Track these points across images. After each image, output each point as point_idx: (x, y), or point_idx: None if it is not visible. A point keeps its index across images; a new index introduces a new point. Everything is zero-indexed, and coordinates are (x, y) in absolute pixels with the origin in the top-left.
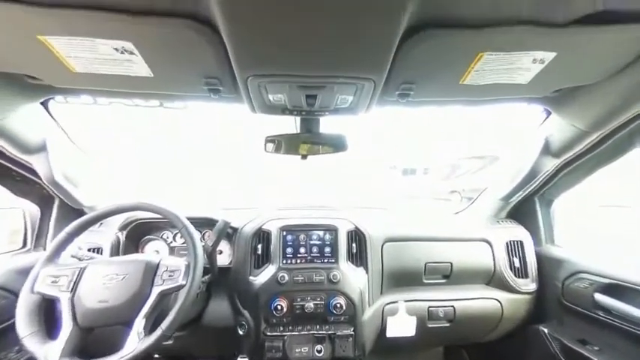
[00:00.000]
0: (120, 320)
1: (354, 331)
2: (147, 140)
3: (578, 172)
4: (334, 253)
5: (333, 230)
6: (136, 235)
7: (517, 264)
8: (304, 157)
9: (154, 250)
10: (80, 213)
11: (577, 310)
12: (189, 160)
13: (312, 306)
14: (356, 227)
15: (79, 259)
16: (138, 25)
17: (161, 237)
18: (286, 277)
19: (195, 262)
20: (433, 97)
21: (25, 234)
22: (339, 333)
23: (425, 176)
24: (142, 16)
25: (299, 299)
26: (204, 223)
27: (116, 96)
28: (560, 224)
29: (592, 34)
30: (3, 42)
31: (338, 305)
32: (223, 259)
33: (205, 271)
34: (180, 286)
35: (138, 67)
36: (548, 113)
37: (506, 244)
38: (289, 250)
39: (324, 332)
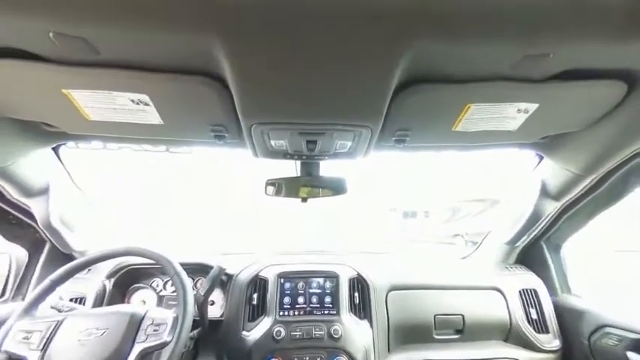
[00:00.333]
0: None
1: None
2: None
3: (581, 215)
4: (335, 303)
5: (333, 277)
6: (124, 283)
7: (534, 315)
8: (304, 200)
9: (141, 300)
10: (69, 258)
11: None
12: (189, 202)
13: None
14: (358, 274)
15: (59, 311)
16: (155, 80)
17: (150, 285)
18: (283, 333)
19: (184, 314)
20: (428, 142)
21: (7, 282)
22: None
23: (426, 219)
24: (159, 73)
25: (296, 359)
26: (197, 270)
27: (126, 142)
28: (574, 270)
29: (568, 88)
30: (29, 95)
31: None
32: (215, 311)
33: (194, 325)
34: (165, 344)
35: (150, 116)
36: (541, 157)
37: (520, 292)
38: (287, 299)
39: None
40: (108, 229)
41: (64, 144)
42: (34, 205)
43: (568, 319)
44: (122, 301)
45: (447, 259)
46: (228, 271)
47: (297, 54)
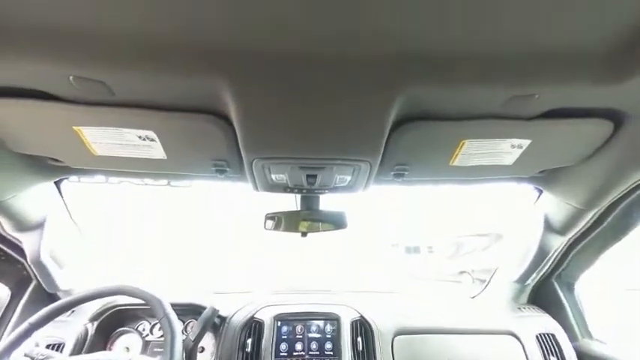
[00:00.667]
0: None
1: None
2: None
3: (590, 251)
4: (336, 350)
5: (334, 320)
6: (108, 327)
7: None
8: (304, 234)
9: (124, 347)
10: (53, 298)
11: None
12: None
13: None
14: (361, 316)
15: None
16: (163, 117)
17: (136, 329)
18: None
19: None
20: (426, 177)
21: None
22: None
23: (430, 255)
24: (168, 111)
25: None
26: (189, 311)
27: (128, 176)
28: (587, 309)
29: (557, 125)
30: (41, 131)
31: None
32: (204, 359)
33: None
34: None
35: (155, 151)
36: (540, 191)
37: (537, 338)
38: (283, 346)
39: None
40: (99, 265)
41: (66, 178)
42: (26, 240)
43: None
44: (104, 348)
45: (455, 298)
46: (222, 312)
47: (299, 95)
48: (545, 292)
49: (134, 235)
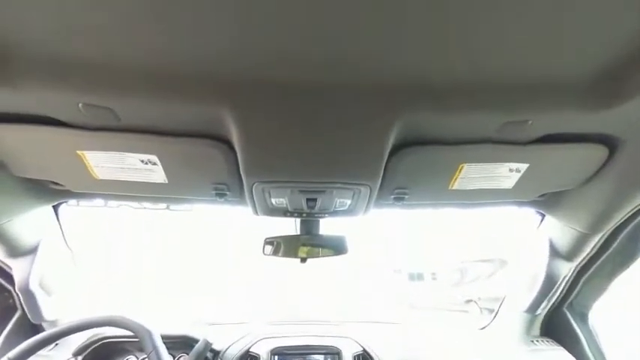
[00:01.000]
0: None
1: None
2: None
3: (600, 277)
4: None
5: (335, 354)
6: None
7: None
8: (303, 260)
9: None
10: (37, 330)
11: None
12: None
13: None
14: (364, 350)
15: None
16: (165, 142)
17: None
18: None
19: None
20: (426, 200)
21: None
22: None
23: (434, 282)
24: (171, 136)
25: None
26: (181, 344)
27: (128, 200)
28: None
29: (553, 150)
30: (45, 156)
31: None
32: None
33: None
34: None
35: (156, 175)
36: (543, 215)
37: None
38: None
39: None
40: (90, 293)
41: (65, 202)
42: (17, 266)
43: None
44: None
45: (463, 330)
46: (215, 345)
47: (300, 120)
48: (557, 322)
49: (129, 262)
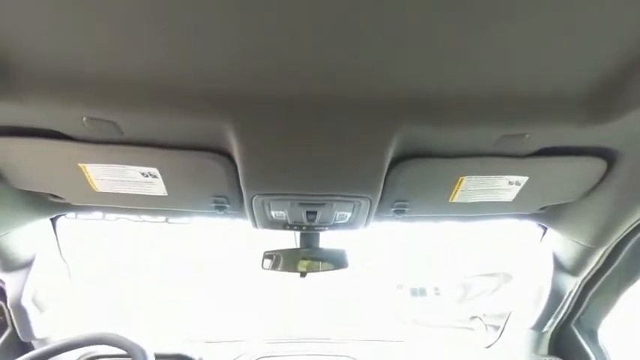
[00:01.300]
0: None
1: None
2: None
3: (606, 293)
4: None
5: None
6: None
7: None
8: (303, 274)
9: None
10: (26, 348)
11: None
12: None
13: None
14: None
15: None
16: (166, 155)
17: None
18: None
19: None
20: (427, 213)
21: None
22: None
23: (437, 297)
24: (172, 149)
25: None
26: None
27: (127, 212)
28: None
29: (551, 163)
30: (45, 168)
31: None
32: None
33: None
34: None
35: (156, 187)
36: (545, 228)
37: None
38: None
39: None
40: (84, 309)
41: (63, 215)
42: (10, 281)
43: None
44: None
45: (468, 348)
46: None
47: (300, 134)
48: (566, 340)
49: (126, 276)
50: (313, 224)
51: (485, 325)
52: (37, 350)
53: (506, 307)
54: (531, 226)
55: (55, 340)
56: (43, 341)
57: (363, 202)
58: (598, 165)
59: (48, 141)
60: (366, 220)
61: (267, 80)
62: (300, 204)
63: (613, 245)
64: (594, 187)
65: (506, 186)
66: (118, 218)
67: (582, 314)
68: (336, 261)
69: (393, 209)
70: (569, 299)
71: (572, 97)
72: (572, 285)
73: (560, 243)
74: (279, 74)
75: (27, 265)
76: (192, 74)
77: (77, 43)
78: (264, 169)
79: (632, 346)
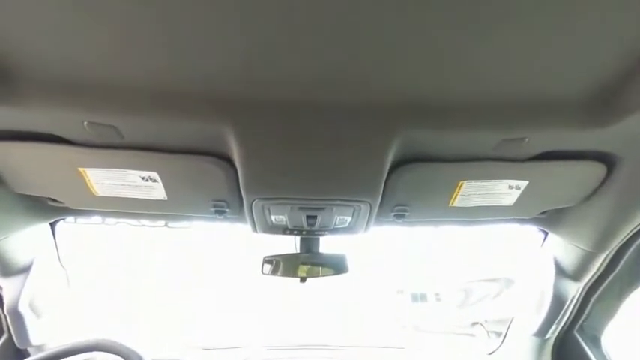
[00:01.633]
0: None
1: None
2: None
3: (609, 298)
4: None
5: None
6: None
7: None
8: (303, 279)
9: None
10: (22, 355)
11: None
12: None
13: None
14: None
15: None
16: (166, 159)
17: None
18: None
19: None
20: (427, 217)
21: None
22: None
23: (437, 302)
24: (172, 153)
25: None
26: None
27: (126, 217)
28: None
29: (551, 167)
30: (45, 172)
31: None
32: None
33: None
34: None
35: (156, 192)
36: (546, 233)
37: None
38: None
39: None
40: (82, 315)
41: (63, 219)
42: (7, 286)
43: None
44: None
45: (470, 355)
46: None
47: (300, 138)
48: (569, 347)
49: (124, 282)
50: (313, 229)
51: (487, 332)
52: (33, 357)
53: (507, 312)
54: (532, 231)
55: (52, 347)
56: (39, 348)
57: (363, 206)
58: (598, 169)
59: (48, 145)
60: (366, 225)
61: (267, 84)
62: (300, 208)
63: (615, 250)
64: (594, 192)
65: (507, 190)
66: (117, 223)
67: (585, 320)
68: (336, 266)
69: (393, 214)
70: (572, 305)
71: (572, 102)
72: (574, 290)
73: (562, 248)
74: (279, 78)
75: (25, 270)
76: (193, 78)
77: (78, 48)
78: (264, 173)
79: (636, 352)
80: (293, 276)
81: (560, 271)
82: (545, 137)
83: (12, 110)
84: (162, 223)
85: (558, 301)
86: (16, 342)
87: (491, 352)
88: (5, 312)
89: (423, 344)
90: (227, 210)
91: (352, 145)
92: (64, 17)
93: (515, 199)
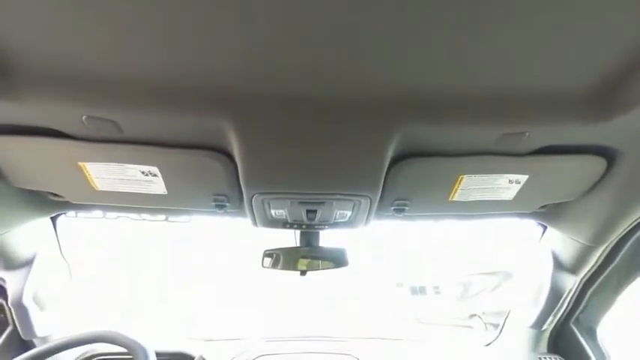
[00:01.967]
0: None
1: None
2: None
3: (606, 291)
4: None
5: None
6: None
7: None
8: (303, 273)
9: None
10: (27, 346)
11: None
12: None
13: None
14: None
15: None
16: (166, 153)
17: None
18: None
19: None
20: (427, 212)
21: None
22: None
23: (436, 296)
24: (172, 148)
25: None
26: None
27: (126, 211)
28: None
29: (551, 161)
30: (46, 167)
31: None
32: None
33: None
34: None
35: (156, 186)
36: (545, 227)
37: None
38: None
39: None
40: (85, 308)
41: (64, 213)
42: (11, 279)
43: None
44: None
45: (468, 346)
46: None
47: (300, 133)
48: (565, 338)
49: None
50: (313, 223)
51: (485, 324)
52: (38, 348)
53: (505, 305)
54: (531, 225)
55: (56, 338)
56: (43, 339)
57: (363, 200)
58: (598, 163)
59: (48, 139)
60: (366, 219)
61: (267, 79)
62: (300, 203)
63: (612, 243)
64: (594, 186)
65: (506, 184)
66: (118, 217)
67: (581, 312)
68: (336, 259)
69: (392, 208)
70: (569, 297)
71: (572, 95)
72: (571, 283)
73: (560, 241)
74: (278, 73)
75: (28, 263)
76: (192, 73)
77: (77, 42)
78: (264, 168)
79: (631, 343)
80: (293, 270)
81: (558, 265)
82: (546, 131)
83: (11, 104)
84: (162, 217)
85: (555, 294)
86: (21, 334)
87: (489, 344)
88: (9, 304)
89: (421, 336)
90: (227, 204)
91: (352, 140)
92: (62, 11)
93: (515, 193)
